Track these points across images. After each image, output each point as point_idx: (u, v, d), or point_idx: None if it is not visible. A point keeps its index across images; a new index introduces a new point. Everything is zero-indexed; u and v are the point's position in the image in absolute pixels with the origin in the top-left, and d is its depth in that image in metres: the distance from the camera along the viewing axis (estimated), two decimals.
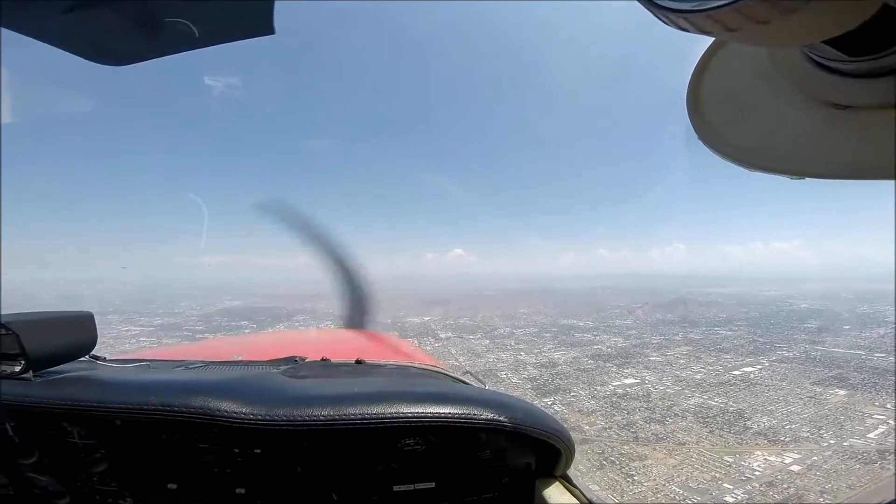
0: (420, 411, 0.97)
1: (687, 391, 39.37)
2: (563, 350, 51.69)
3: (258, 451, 1.06)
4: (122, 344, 39.96)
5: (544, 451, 1.15)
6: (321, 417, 0.94)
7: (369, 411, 0.95)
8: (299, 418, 0.93)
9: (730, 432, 31.54)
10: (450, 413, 0.99)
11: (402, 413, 0.96)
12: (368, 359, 1.79)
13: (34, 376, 1.12)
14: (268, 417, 0.94)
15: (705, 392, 38.98)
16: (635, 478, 26.06)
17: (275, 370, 1.46)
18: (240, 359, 1.97)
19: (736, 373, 43.15)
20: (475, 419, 1.00)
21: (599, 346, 53.39)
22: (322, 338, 3.41)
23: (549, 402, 36.83)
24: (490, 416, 1.01)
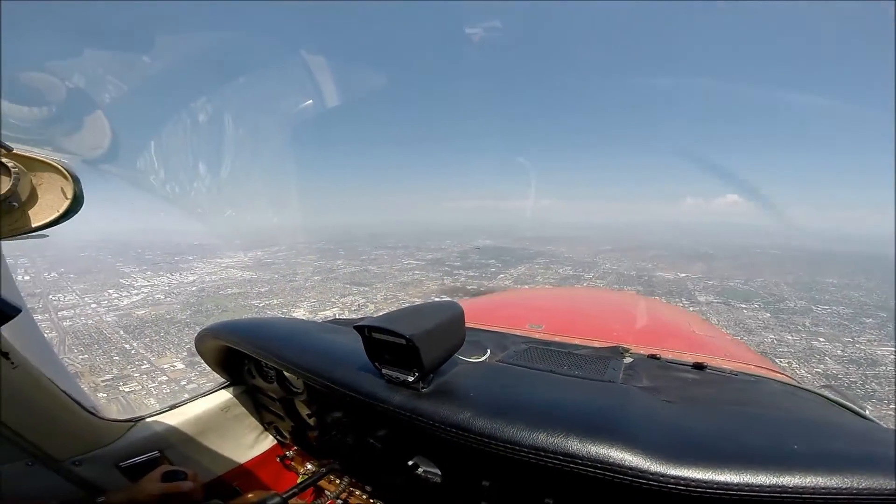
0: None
1: None
2: (892, 344, 36.00)
3: None
4: (403, 275, 49.80)
5: None
6: (764, 487, 0.73)
7: (823, 483, 0.72)
8: (735, 486, 0.74)
9: None
10: None
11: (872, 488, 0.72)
12: (705, 359, 1.52)
13: (422, 386, 1.13)
14: (693, 481, 0.76)
15: None
16: None
17: (614, 370, 1.37)
18: (541, 329, 1.96)
19: None
20: None
21: None
22: (603, 302, 3.08)
23: None
24: None
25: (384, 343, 1.12)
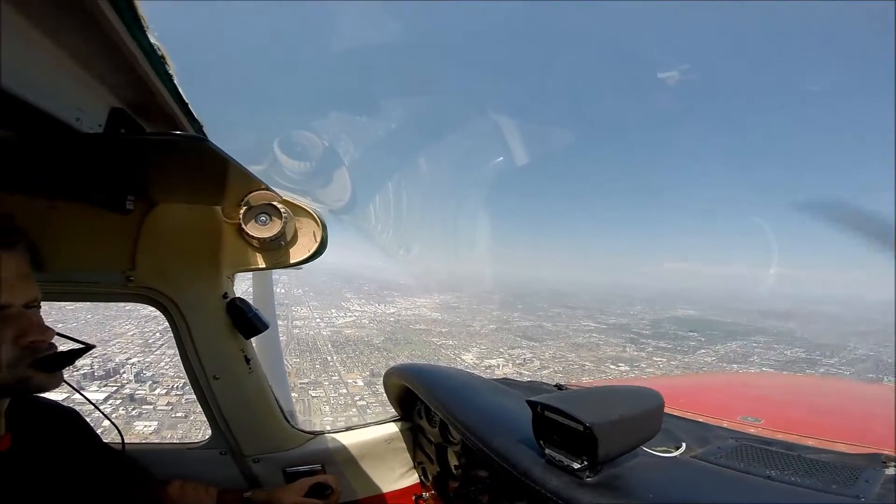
0: None
1: None
2: None
3: None
4: (578, 336, 46.71)
5: None
6: None
7: None
8: None
9: None
10: None
11: None
12: None
13: (588, 475, 1.01)
14: None
15: None
16: None
17: (868, 482, 1.07)
18: (759, 424, 1.69)
19: None
20: None
21: None
22: (854, 396, 2.51)
23: None
24: None
25: (556, 423, 1.03)
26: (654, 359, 39.26)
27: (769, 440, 1.44)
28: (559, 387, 2.02)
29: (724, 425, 1.62)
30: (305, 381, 25.66)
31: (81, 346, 1.00)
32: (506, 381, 2.09)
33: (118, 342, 23.81)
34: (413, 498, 2.17)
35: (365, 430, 2.13)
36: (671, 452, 1.27)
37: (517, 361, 36.02)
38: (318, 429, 2.04)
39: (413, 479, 2.23)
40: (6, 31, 0.53)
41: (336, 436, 2.04)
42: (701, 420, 1.65)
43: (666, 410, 1.65)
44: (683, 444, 1.32)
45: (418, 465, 2.20)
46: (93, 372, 18.79)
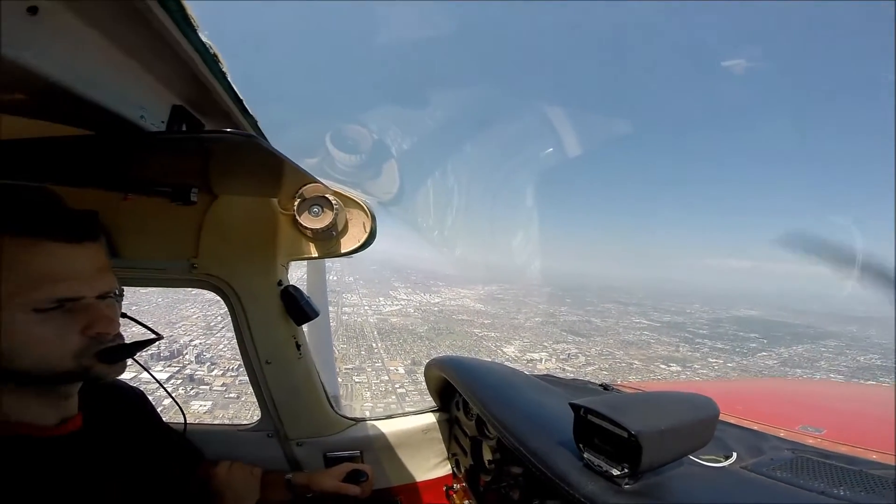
0: None
1: None
2: None
3: None
4: (629, 333, 44.99)
5: None
6: None
7: None
8: None
9: None
10: None
11: None
12: None
13: (627, 482, 0.97)
14: None
15: None
16: None
17: None
18: (820, 435, 1.55)
19: None
20: None
21: None
22: None
23: None
24: None
25: (598, 427, 0.98)
26: (709, 360, 37.44)
27: (828, 453, 1.36)
28: (605, 387, 1.96)
29: (782, 435, 1.53)
30: (350, 366, 26.72)
31: (147, 336, 1.05)
32: (548, 378, 2.04)
33: (183, 325, 25.85)
34: (444, 488, 2.19)
35: (404, 419, 2.18)
36: (720, 462, 1.21)
37: (561, 356, 35.47)
38: (358, 415, 2.12)
39: (446, 469, 2.25)
40: (79, 41, 0.57)
41: (376, 423, 2.10)
42: (756, 428, 1.57)
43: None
44: (734, 454, 1.26)
45: (452, 457, 2.22)
46: (159, 353, 20.56)
